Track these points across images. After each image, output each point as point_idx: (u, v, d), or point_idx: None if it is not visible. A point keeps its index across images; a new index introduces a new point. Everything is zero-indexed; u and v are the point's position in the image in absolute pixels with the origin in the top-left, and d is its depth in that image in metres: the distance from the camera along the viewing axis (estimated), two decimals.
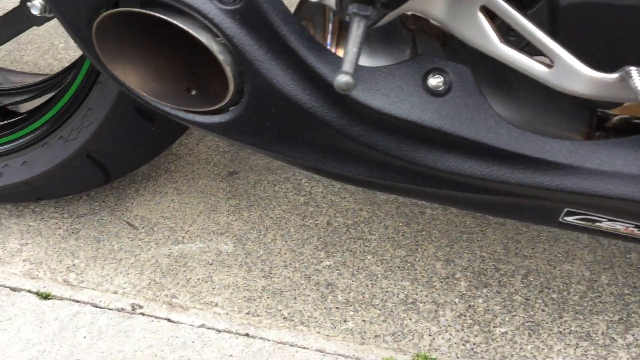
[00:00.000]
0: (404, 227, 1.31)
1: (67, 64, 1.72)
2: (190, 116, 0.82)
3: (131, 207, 1.34)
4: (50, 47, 1.84)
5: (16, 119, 1.18)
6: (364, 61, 0.79)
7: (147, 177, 1.42)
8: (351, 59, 0.53)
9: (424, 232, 1.29)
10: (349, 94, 0.76)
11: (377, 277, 1.20)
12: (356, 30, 0.53)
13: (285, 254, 1.25)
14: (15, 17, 0.97)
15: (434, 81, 0.77)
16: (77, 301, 1.15)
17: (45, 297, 1.16)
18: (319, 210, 1.34)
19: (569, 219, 0.84)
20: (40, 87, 1.27)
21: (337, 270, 1.21)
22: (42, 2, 0.88)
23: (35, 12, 0.88)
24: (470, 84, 0.77)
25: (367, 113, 0.77)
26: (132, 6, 0.74)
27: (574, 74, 0.65)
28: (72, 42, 1.85)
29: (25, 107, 1.25)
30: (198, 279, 1.19)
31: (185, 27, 0.72)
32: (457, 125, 0.77)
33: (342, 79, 0.53)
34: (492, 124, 0.78)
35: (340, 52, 0.80)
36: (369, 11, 0.52)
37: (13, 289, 1.17)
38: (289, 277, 1.20)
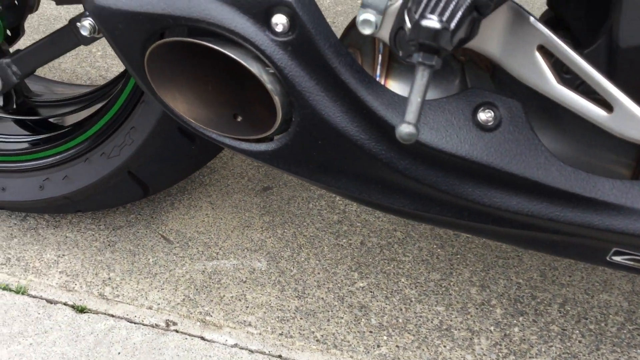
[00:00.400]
0: (439, 250, 1.29)
1: (104, 72, 1.74)
2: (236, 143, 0.81)
3: (166, 220, 1.35)
4: (88, 55, 1.86)
5: (58, 132, 1.19)
6: None
7: (182, 190, 1.42)
8: (415, 109, 0.52)
9: (458, 256, 1.28)
10: (394, 125, 0.75)
11: (411, 301, 1.19)
12: (420, 80, 0.52)
13: (318, 273, 1.24)
14: (63, 36, 0.98)
15: (484, 116, 0.76)
16: (112, 316, 1.16)
17: (81, 310, 1.17)
18: (352, 229, 1.34)
19: (617, 258, 0.82)
20: (83, 99, 1.28)
21: (371, 292, 1.21)
22: (92, 23, 0.88)
23: (84, 32, 0.89)
24: (521, 119, 0.76)
25: (415, 147, 0.76)
26: (185, 35, 0.74)
27: (635, 120, 0.64)
28: (109, 51, 1.87)
29: (68, 120, 1.26)
30: (232, 296, 1.19)
31: (236, 58, 0.72)
32: (506, 161, 0.76)
33: (405, 129, 0.52)
34: (542, 160, 0.76)
35: (389, 84, 0.79)
36: (435, 61, 0.51)
37: (49, 301, 1.19)
38: (322, 298, 1.19)
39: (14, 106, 1.22)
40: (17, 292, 1.20)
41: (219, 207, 1.38)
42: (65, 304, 1.18)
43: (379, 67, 0.78)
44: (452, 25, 0.51)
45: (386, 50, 0.79)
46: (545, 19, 0.85)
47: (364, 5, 0.69)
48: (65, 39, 0.97)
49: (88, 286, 1.21)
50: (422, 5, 0.52)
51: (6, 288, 1.21)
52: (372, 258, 1.27)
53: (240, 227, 1.34)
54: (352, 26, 0.87)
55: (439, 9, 0.51)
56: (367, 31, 0.70)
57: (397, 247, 1.30)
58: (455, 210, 0.81)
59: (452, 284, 1.22)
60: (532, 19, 0.65)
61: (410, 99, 0.53)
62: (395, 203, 0.82)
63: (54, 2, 0.92)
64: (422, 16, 0.51)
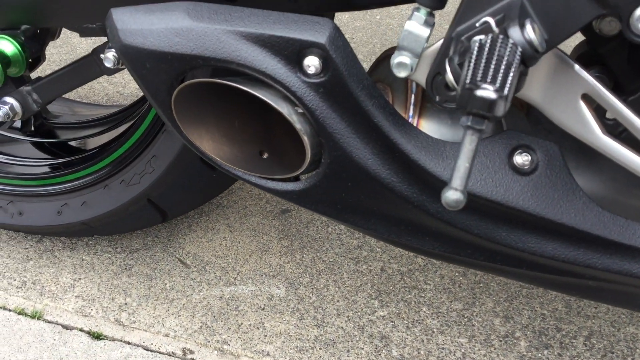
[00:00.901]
0: (461, 278, 1.27)
1: (121, 88, 1.72)
2: (262, 182, 0.79)
3: (183, 243, 1.33)
4: None
5: (76, 157, 1.17)
6: (447, 135, 0.76)
7: (199, 212, 1.40)
8: (462, 175, 0.50)
9: (481, 284, 1.25)
10: (427, 169, 0.73)
11: (433, 332, 1.17)
12: (469, 145, 0.49)
13: (338, 301, 1.22)
14: (86, 66, 0.96)
15: (521, 159, 0.73)
16: (129, 343, 1.14)
17: (97, 337, 1.15)
18: (372, 255, 1.31)
19: None
20: (103, 122, 1.26)
21: (392, 321, 1.18)
22: (116, 55, 0.86)
23: (108, 64, 0.87)
24: (558, 163, 0.73)
25: None
26: (211, 74, 0.72)
27: None
28: None
29: (88, 143, 1.25)
30: (250, 324, 1.17)
31: (267, 100, 0.70)
32: (542, 207, 0.73)
33: (452, 196, 0.50)
34: (580, 206, 0.74)
35: (422, 124, 0.77)
36: (484, 125, 0.49)
37: (65, 327, 1.17)
38: (342, 327, 1.17)
39: (32, 128, 1.21)
40: (33, 317, 1.19)
41: (237, 230, 1.36)
42: (81, 329, 1.17)
43: (411, 107, 0.76)
44: (506, 91, 0.48)
45: (419, 90, 0.76)
46: (580, 53, 0.83)
47: (399, 48, 0.67)
48: (87, 69, 0.95)
49: (104, 311, 1.19)
50: (470, 68, 0.50)
51: (22, 312, 1.19)
52: (392, 285, 1.25)
53: (259, 251, 1.32)
54: (382, 59, 0.85)
55: (489, 74, 0.48)
56: (402, 74, 0.68)
57: (419, 274, 1.27)
58: (488, 254, 0.78)
59: (475, 314, 1.20)
60: (576, 66, 0.63)
61: (457, 164, 0.50)
62: (425, 245, 0.79)
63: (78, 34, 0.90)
64: (474, 84, 0.48)
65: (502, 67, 0.49)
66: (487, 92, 0.48)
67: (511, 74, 0.49)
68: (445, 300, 1.22)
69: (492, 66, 0.49)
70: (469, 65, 0.50)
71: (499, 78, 0.49)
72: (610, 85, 0.78)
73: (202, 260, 1.29)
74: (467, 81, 0.49)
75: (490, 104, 0.48)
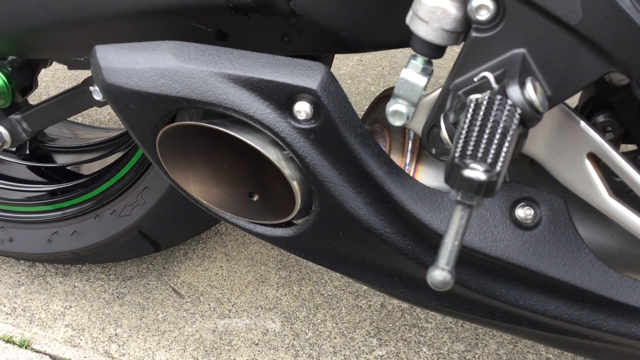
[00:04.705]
0: None
1: None
2: (250, 226, 0.76)
3: (179, 272, 1.30)
4: None
5: (68, 185, 1.14)
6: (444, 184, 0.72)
7: (196, 238, 1.37)
8: (450, 254, 0.46)
9: None
10: (423, 221, 0.69)
11: None
12: (459, 220, 0.46)
13: (335, 338, 1.18)
14: (76, 97, 0.93)
15: (523, 213, 0.69)
16: None
17: None
18: (372, 289, 1.27)
19: None
20: (99, 148, 1.23)
21: None
22: None
23: (97, 97, 0.84)
24: (563, 218, 0.69)
25: None
26: (200, 117, 0.69)
27: None
28: None
29: (83, 168, 1.22)
30: None
31: (254, 145, 0.67)
32: (545, 264, 0.69)
33: (438, 276, 0.46)
34: (585, 264, 0.69)
35: (420, 171, 0.73)
36: (476, 201, 0.45)
37: (53, 358, 1.14)
38: None
39: (27, 151, 1.18)
40: (21, 346, 1.16)
41: (234, 259, 1.33)
42: None
43: (409, 154, 0.72)
44: (498, 168, 0.44)
45: (417, 137, 0.72)
46: (591, 96, 0.78)
47: (395, 96, 0.63)
48: (78, 100, 0.93)
49: (94, 342, 1.16)
50: (461, 139, 0.46)
51: (9, 341, 1.17)
52: (392, 323, 1.21)
53: (255, 282, 1.28)
54: (381, 99, 0.82)
55: (481, 147, 0.44)
56: (397, 123, 0.64)
57: (420, 311, 1.23)
58: (486, 310, 0.74)
59: (477, 356, 1.15)
60: (582, 123, 0.59)
61: (445, 241, 0.46)
62: (420, 298, 0.75)
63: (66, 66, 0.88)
64: (463, 162, 0.44)
65: (497, 136, 0.45)
66: (475, 172, 0.44)
67: (506, 144, 0.45)
68: (446, 341, 1.18)
69: (486, 136, 0.45)
70: (460, 135, 0.46)
71: (492, 152, 0.44)
72: (620, 132, 0.74)
73: (196, 290, 1.26)
74: (456, 155, 0.45)
75: (478, 185, 0.44)
